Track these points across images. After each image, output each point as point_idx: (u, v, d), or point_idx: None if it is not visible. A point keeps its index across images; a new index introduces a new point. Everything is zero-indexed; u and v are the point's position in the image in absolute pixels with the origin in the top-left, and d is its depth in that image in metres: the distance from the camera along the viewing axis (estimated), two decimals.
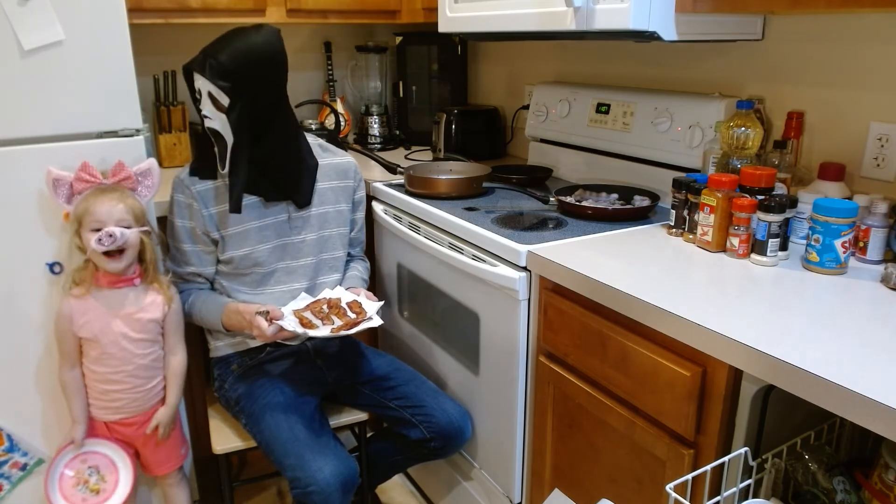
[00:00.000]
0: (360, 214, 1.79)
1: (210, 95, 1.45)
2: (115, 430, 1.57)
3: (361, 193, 1.77)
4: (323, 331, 1.43)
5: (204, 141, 1.55)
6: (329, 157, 1.70)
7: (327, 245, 1.68)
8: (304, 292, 1.62)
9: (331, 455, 1.44)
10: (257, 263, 1.60)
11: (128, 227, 1.44)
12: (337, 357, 1.70)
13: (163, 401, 1.59)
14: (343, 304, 1.53)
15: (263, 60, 1.44)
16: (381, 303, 1.56)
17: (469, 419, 1.66)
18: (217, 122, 1.47)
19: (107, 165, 1.51)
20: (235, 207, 1.48)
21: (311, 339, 1.65)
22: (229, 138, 1.47)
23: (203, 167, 1.57)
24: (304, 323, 1.46)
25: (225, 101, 1.44)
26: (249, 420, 1.55)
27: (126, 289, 1.50)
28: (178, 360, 1.59)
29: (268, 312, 1.44)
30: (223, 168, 1.50)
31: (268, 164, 1.53)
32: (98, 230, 1.40)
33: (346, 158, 1.73)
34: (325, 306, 1.51)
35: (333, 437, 1.53)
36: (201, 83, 1.45)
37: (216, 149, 1.51)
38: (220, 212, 1.56)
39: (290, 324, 1.43)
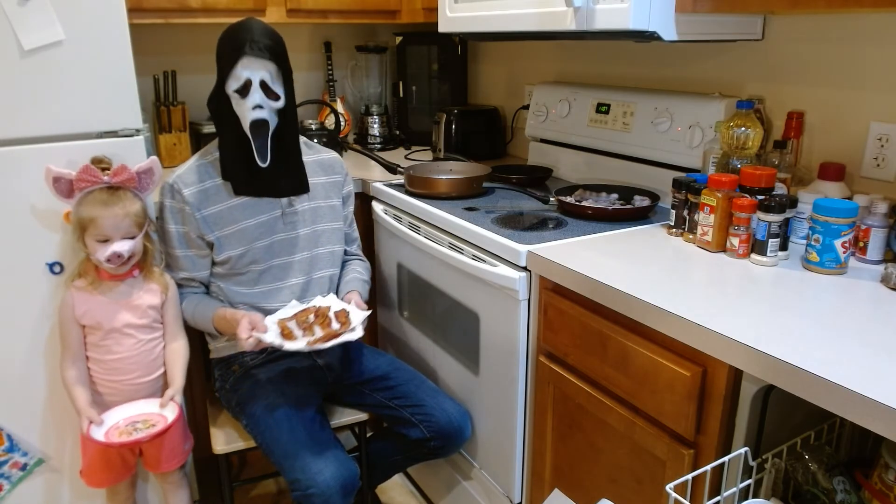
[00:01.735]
0: (350, 209, 1.79)
1: (262, 83, 1.45)
2: None
3: (350, 188, 1.77)
4: (299, 343, 1.41)
5: (207, 140, 1.55)
6: (314, 154, 1.70)
7: (321, 240, 1.68)
8: (295, 300, 1.61)
9: (331, 457, 1.43)
10: (254, 261, 1.60)
11: (131, 236, 1.46)
12: (337, 357, 1.70)
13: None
14: (331, 314, 1.51)
15: (284, 42, 1.51)
16: (369, 312, 1.54)
17: (469, 418, 1.67)
18: (266, 110, 1.47)
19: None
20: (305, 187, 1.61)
21: None
22: (273, 124, 1.49)
23: (200, 169, 1.57)
24: (285, 334, 1.45)
25: (279, 87, 1.48)
26: (250, 421, 1.55)
27: (127, 280, 1.51)
28: (179, 344, 1.60)
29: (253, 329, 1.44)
30: (264, 161, 1.49)
31: (290, 148, 1.56)
32: (104, 241, 1.43)
33: (331, 154, 1.74)
34: (311, 315, 1.50)
35: (334, 439, 1.53)
36: (252, 70, 1.44)
37: (254, 145, 1.48)
38: (214, 213, 1.56)
39: (270, 336, 1.42)
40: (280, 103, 1.49)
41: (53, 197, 1.44)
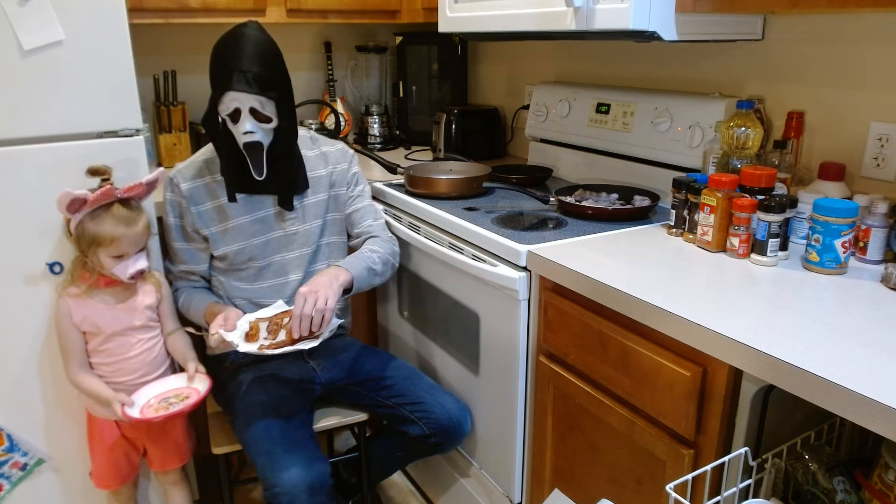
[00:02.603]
0: (360, 187, 1.74)
1: (252, 111, 1.43)
2: (123, 428, 1.57)
3: (355, 170, 1.73)
4: (252, 346, 1.42)
5: (206, 140, 1.54)
6: (316, 149, 1.69)
7: (325, 232, 1.68)
8: (281, 300, 1.60)
9: (300, 457, 1.42)
10: (252, 258, 1.60)
11: (143, 248, 1.49)
12: (332, 358, 1.69)
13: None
14: None
15: (279, 56, 1.47)
16: (340, 321, 1.52)
17: (468, 413, 1.67)
18: (259, 133, 1.46)
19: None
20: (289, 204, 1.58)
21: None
22: (267, 143, 1.48)
23: (200, 165, 1.58)
24: (250, 335, 1.45)
25: (271, 110, 1.45)
26: (233, 417, 1.56)
27: (122, 284, 1.51)
28: (178, 336, 1.61)
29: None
30: (260, 175, 1.49)
31: (285, 160, 1.54)
32: (120, 256, 1.44)
33: (335, 146, 1.72)
34: (286, 318, 1.49)
35: (309, 438, 1.51)
36: (240, 101, 1.42)
37: (249, 161, 1.49)
38: (210, 209, 1.57)
39: (231, 335, 1.43)
40: (273, 124, 1.48)
41: (54, 201, 1.44)
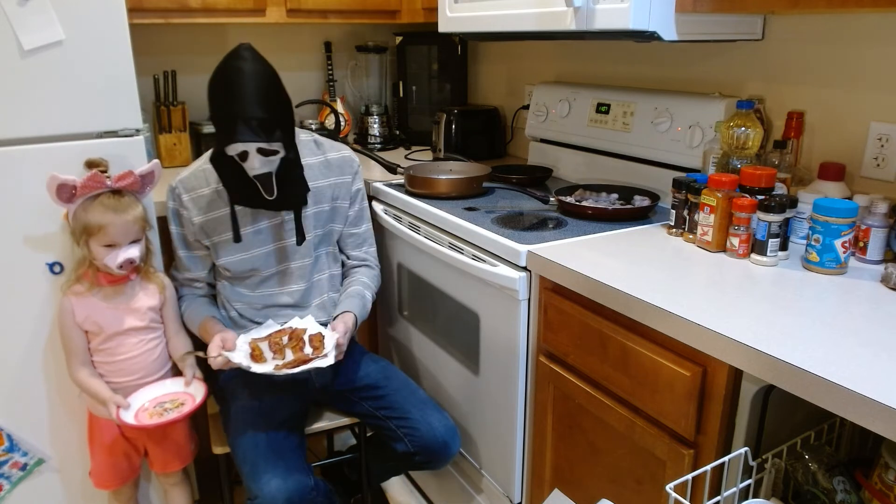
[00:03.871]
0: (357, 206, 1.72)
1: (260, 150, 1.40)
2: (124, 429, 1.57)
3: (358, 185, 1.71)
4: (266, 367, 1.41)
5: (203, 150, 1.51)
6: (321, 154, 1.66)
7: (324, 242, 1.67)
8: (271, 320, 1.60)
9: (282, 469, 1.41)
10: (255, 268, 1.59)
11: (137, 240, 1.47)
12: None
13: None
14: (305, 337, 1.50)
15: (278, 85, 1.41)
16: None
17: (457, 434, 1.60)
18: (266, 166, 1.42)
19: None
20: (302, 238, 1.56)
21: None
22: (275, 168, 1.44)
23: (202, 174, 1.57)
24: (255, 355, 1.45)
25: (278, 145, 1.41)
26: (225, 420, 1.56)
27: (125, 284, 1.51)
28: (181, 338, 1.61)
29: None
30: (271, 195, 1.46)
31: (291, 177, 1.51)
32: (111, 246, 1.43)
33: (340, 153, 1.68)
34: (285, 337, 1.49)
35: (295, 448, 1.49)
36: (247, 144, 1.38)
37: (261, 185, 1.45)
38: (212, 219, 1.56)
39: (237, 357, 1.43)
40: (280, 154, 1.44)
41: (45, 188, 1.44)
